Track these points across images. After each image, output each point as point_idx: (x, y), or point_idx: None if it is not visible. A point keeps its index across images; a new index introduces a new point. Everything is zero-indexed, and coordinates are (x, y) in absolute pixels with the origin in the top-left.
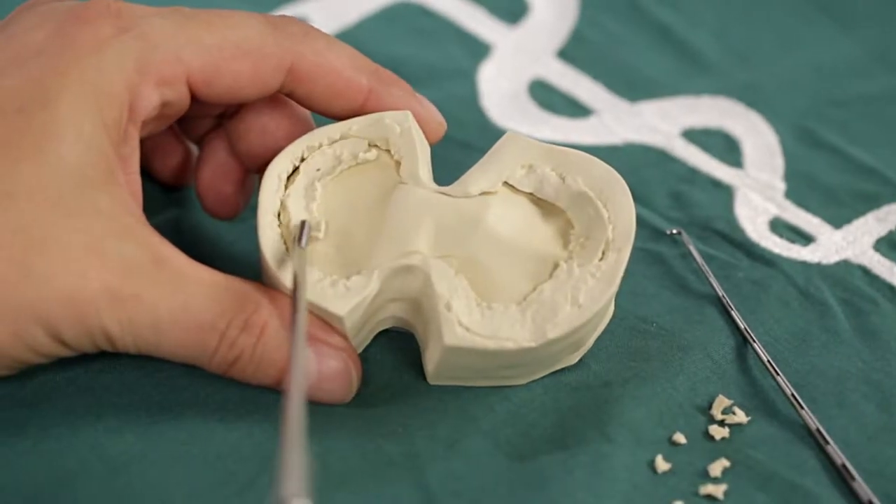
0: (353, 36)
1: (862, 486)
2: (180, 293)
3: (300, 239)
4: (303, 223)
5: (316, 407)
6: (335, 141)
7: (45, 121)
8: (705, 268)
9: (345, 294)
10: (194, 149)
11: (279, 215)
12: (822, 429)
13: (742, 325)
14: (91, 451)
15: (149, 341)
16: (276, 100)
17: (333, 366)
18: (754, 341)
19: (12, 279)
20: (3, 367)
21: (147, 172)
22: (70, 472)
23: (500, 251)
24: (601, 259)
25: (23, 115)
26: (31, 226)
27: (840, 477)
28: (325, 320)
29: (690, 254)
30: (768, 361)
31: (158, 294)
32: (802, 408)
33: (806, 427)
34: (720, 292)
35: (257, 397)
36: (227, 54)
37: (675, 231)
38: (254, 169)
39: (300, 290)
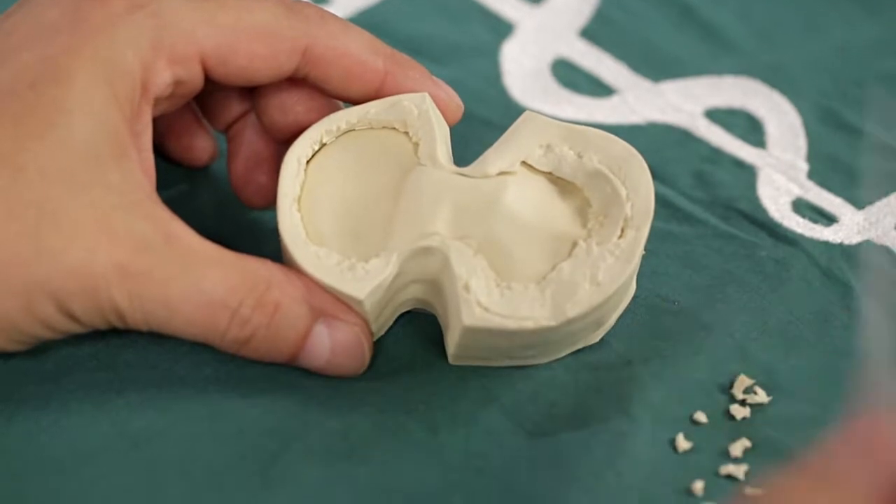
0: (376, 14)
1: None
2: (191, 270)
3: None
4: None
5: (337, 384)
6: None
7: (56, 97)
8: None
9: (363, 277)
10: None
11: (299, 199)
12: None
13: None
14: (113, 426)
15: (159, 318)
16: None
17: (344, 339)
18: None
19: (23, 253)
20: (16, 341)
21: (166, 154)
22: (92, 448)
23: (518, 231)
24: (620, 237)
25: (34, 92)
26: (41, 200)
27: None
28: (343, 302)
29: None
30: None
31: (168, 271)
32: None
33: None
34: None
35: (278, 374)
36: (242, 34)
37: None
38: (284, 143)
39: None
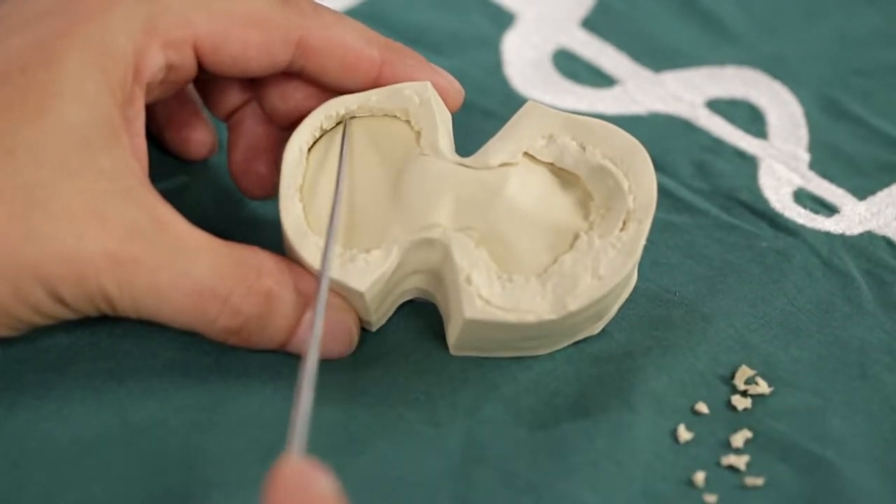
0: (375, 4)
1: None
2: (180, 258)
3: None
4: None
5: (338, 374)
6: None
7: (48, 81)
8: None
9: (364, 269)
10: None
11: (301, 188)
12: None
13: None
14: (114, 416)
15: (148, 306)
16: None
17: (332, 323)
18: None
19: (13, 238)
20: (8, 326)
21: (166, 146)
22: (93, 438)
23: (520, 223)
24: (622, 230)
25: (26, 76)
26: (32, 185)
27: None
28: (342, 294)
29: None
30: None
31: (158, 258)
32: None
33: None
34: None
35: (279, 363)
36: (235, 21)
37: None
38: (286, 129)
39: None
